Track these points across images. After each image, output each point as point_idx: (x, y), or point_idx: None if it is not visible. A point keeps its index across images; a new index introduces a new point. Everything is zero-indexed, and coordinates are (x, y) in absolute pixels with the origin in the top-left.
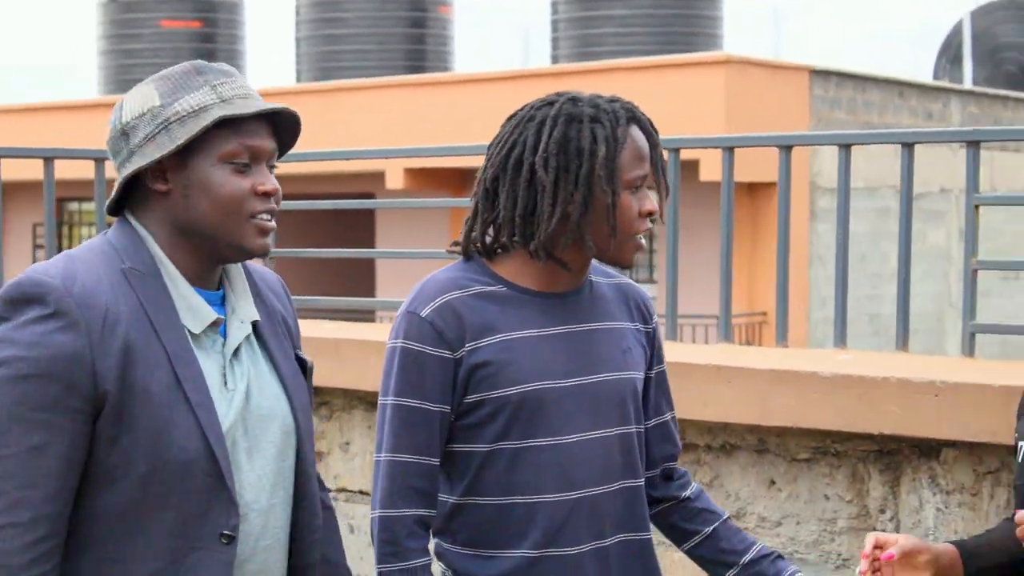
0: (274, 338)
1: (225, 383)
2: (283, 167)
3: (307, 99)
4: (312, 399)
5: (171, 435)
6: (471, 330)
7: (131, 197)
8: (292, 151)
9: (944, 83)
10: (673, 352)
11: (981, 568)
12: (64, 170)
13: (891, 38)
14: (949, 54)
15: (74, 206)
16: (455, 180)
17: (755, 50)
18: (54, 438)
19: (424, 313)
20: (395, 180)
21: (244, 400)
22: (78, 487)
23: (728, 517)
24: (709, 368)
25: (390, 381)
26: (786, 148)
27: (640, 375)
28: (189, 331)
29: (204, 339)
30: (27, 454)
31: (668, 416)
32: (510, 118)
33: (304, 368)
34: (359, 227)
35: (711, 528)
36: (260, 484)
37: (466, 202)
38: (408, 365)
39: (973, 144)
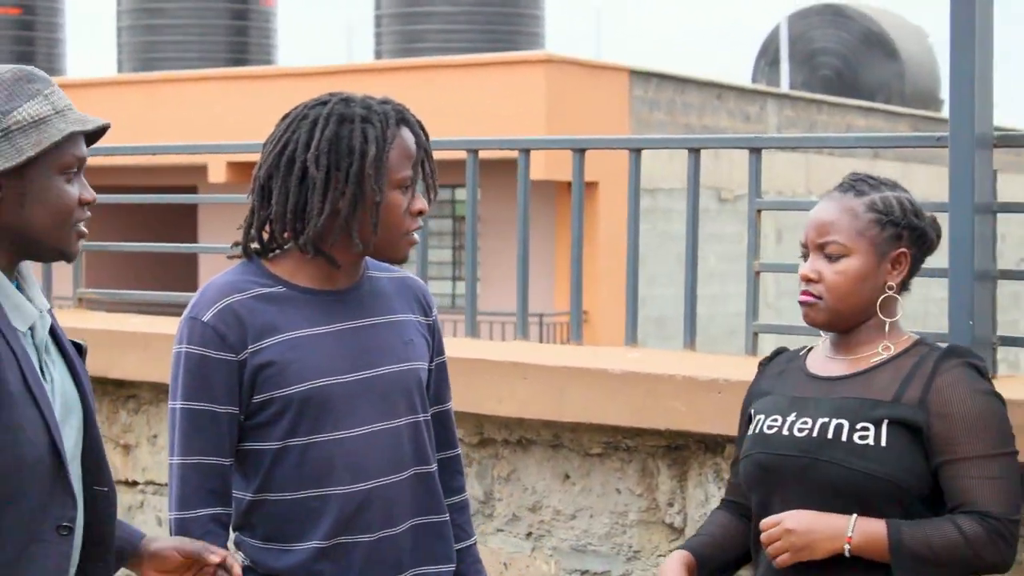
0: (58, 326)
1: (43, 376)
2: (102, 159)
3: (128, 90)
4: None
5: (24, 433)
6: (252, 332)
7: None
8: (116, 145)
9: (762, 86)
10: (471, 349)
11: (714, 571)
12: None
13: (710, 39)
14: (767, 57)
15: None
16: None
17: (577, 50)
18: None
19: (206, 318)
20: (218, 174)
21: (60, 391)
22: None
23: (471, 545)
24: (506, 364)
25: (177, 385)
26: (579, 151)
27: (424, 365)
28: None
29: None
30: None
31: (448, 407)
32: (284, 117)
33: (81, 351)
34: (181, 220)
35: (457, 547)
36: (70, 465)
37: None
38: (193, 369)
39: (755, 151)
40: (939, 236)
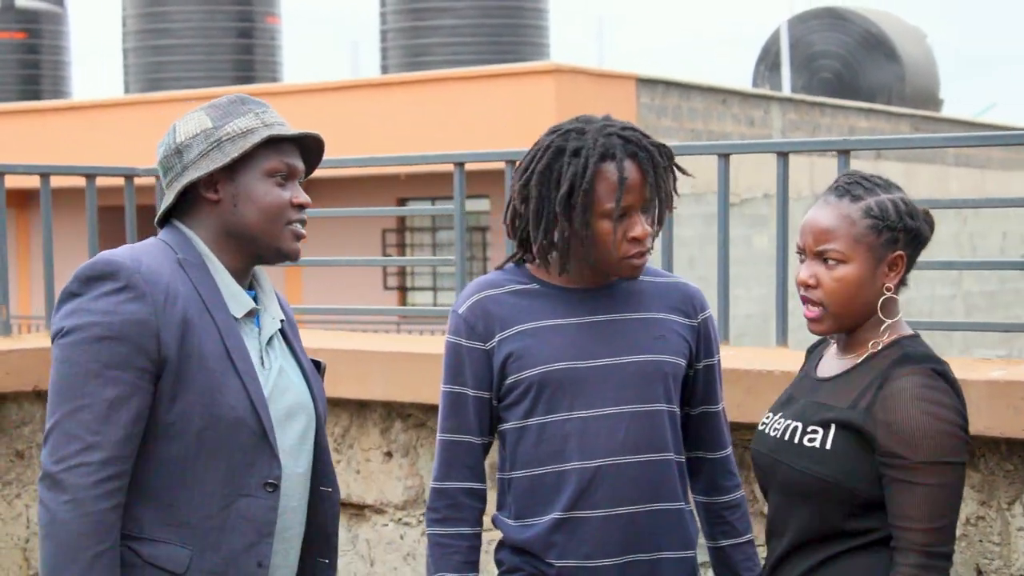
0: (295, 338)
1: (262, 363)
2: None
3: (136, 110)
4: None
5: (222, 396)
6: (500, 323)
7: (179, 208)
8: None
9: (764, 91)
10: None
11: None
12: None
13: (709, 45)
14: (767, 61)
15: None
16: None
17: (579, 59)
18: (125, 392)
19: (461, 311)
20: None
21: (277, 379)
22: (142, 441)
23: (743, 543)
24: None
25: (442, 371)
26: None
27: (676, 361)
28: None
29: (243, 324)
30: (101, 405)
31: (715, 408)
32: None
33: (319, 368)
34: None
35: (724, 543)
36: (287, 452)
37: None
38: (450, 357)
39: (783, 155)
40: (932, 228)
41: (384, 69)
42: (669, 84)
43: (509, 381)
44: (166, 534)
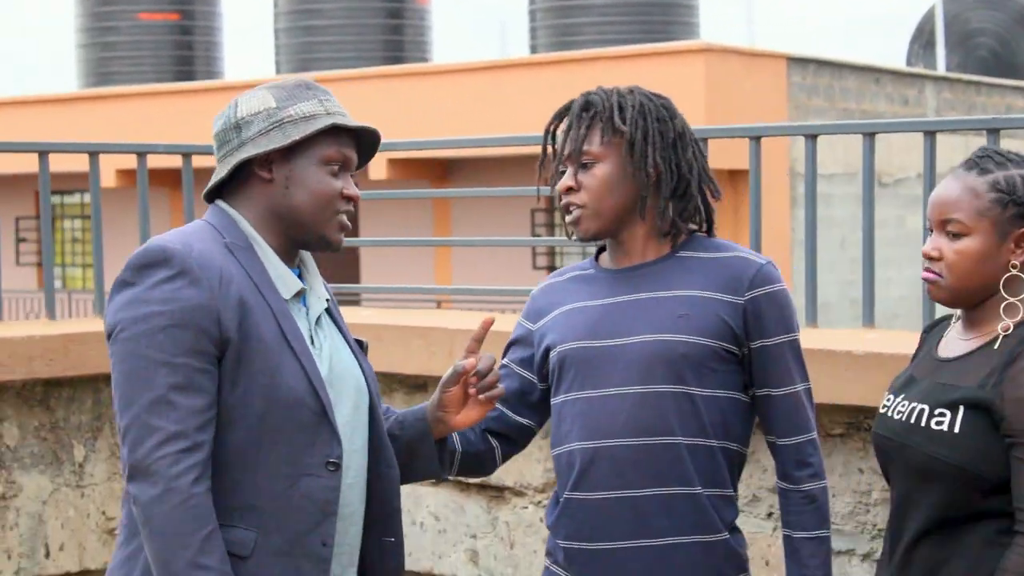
0: (340, 317)
1: (312, 342)
2: None
3: None
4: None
5: (281, 376)
6: (542, 309)
7: (229, 184)
8: None
9: (919, 69)
10: None
11: None
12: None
13: (862, 23)
14: (922, 40)
15: (56, 199)
16: (437, 170)
17: (729, 37)
18: (196, 379)
19: (531, 294)
20: (378, 171)
21: (329, 358)
22: None
23: (794, 536)
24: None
25: None
26: (756, 139)
27: (699, 340)
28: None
29: (292, 305)
30: (175, 394)
31: (774, 391)
32: None
33: (362, 347)
34: None
35: (791, 534)
36: (343, 430)
37: (450, 192)
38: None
39: (930, 134)
40: None
41: (533, 49)
42: (821, 63)
43: (542, 363)
44: (231, 518)
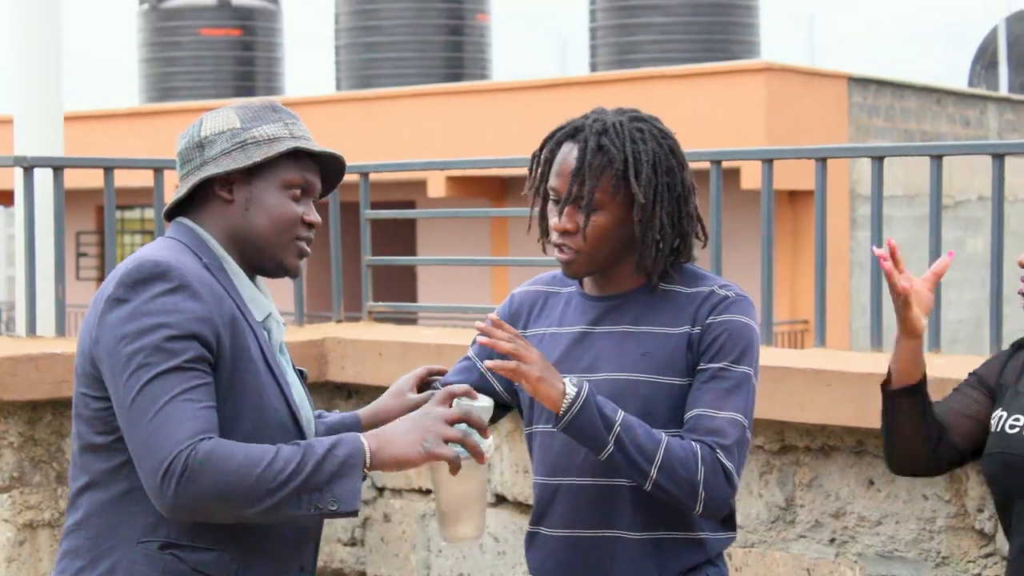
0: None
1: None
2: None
3: (348, 107)
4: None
5: (267, 398)
6: (524, 321)
7: (190, 203)
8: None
9: (980, 90)
10: (773, 357)
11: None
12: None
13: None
14: (984, 60)
15: (116, 214)
16: (496, 188)
17: (789, 56)
18: (202, 387)
19: (513, 293)
20: (437, 188)
21: (293, 383)
22: None
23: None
24: (808, 372)
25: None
26: (822, 160)
27: (658, 379)
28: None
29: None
30: (186, 400)
31: (697, 412)
32: None
33: (302, 376)
34: (399, 232)
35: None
36: None
37: (507, 211)
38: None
39: (999, 157)
40: None
41: (593, 67)
42: (882, 83)
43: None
44: (212, 541)
